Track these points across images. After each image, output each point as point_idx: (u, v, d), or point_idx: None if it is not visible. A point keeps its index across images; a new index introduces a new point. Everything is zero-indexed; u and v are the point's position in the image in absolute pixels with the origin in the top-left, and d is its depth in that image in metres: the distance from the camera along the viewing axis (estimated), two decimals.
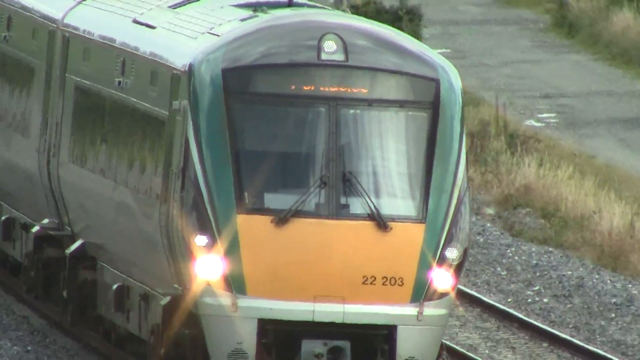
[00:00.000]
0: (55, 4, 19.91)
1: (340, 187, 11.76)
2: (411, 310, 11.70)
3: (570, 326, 22.85)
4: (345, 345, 11.69)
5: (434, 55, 12.77)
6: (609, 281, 27.00)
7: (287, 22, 12.78)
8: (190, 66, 12.26)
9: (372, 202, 11.68)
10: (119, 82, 15.63)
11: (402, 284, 11.64)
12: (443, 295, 11.89)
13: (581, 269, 27.47)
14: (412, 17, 59.20)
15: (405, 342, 11.70)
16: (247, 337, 11.63)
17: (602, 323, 23.64)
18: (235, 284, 11.62)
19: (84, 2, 19.22)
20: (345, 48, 12.05)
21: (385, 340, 11.78)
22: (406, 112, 12.09)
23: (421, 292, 11.69)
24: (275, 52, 12.12)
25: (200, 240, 11.60)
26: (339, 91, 12.00)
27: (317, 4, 17.17)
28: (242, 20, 13.34)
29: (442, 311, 12.12)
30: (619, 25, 60.29)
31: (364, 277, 11.62)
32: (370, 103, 12.03)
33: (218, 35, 12.84)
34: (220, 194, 11.70)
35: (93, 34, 17.51)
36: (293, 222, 11.63)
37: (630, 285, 26.58)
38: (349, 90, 12.03)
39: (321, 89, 11.97)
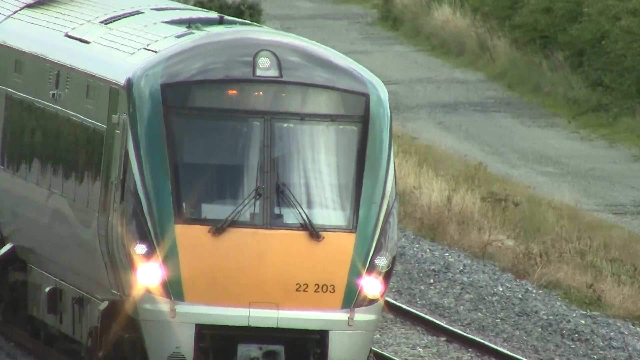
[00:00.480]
0: None
1: (274, 198, 12.11)
2: (342, 316, 12.09)
3: (393, 290, 23.98)
4: (279, 349, 12.04)
5: (363, 71, 13.16)
6: (428, 250, 29.36)
7: (222, 39, 13.07)
8: (129, 81, 12.52)
9: (304, 212, 12.07)
10: (53, 95, 15.86)
11: (334, 291, 12.05)
12: (373, 301, 12.30)
13: (403, 239, 28.99)
14: (252, 12, 62.86)
15: (337, 346, 12.08)
16: (185, 342, 11.93)
17: (422, 288, 25.81)
18: (173, 290, 11.92)
19: (12, 16, 19.25)
20: (279, 64, 12.44)
21: (318, 344, 12.13)
22: (337, 126, 12.49)
23: (352, 299, 12.10)
24: (212, 67, 12.43)
25: (140, 248, 11.88)
26: (273, 106, 12.38)
27: (248, 22, 17.67)
28: (178, 37, 13.59)
29: (372, 317, 12.54)
30: (439, 20, 65.73)
31: (297, 284, 12.00)
32: (302, 117, 12.40)
33: (155, 52, 13.06)
34: (159, 205, 11.97)
35: (25, 47, 17.67)
36: (229, 231, 11.96)
37: (447, 254, 29.02)
38: (282, 105, 12.42)
39: (256, 103, 12.36)
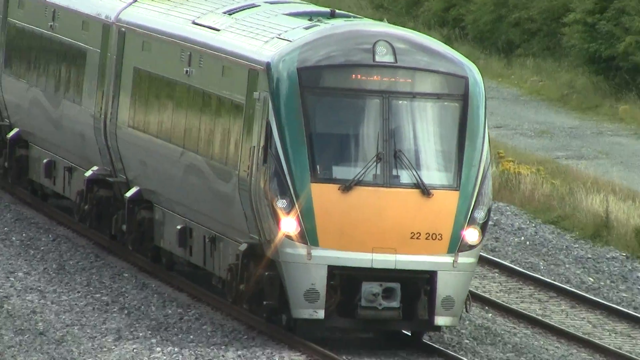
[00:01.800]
0: (107, 4, 23.35)
1: (392, 162, 14.50)
2: (448, 259, 14.51)
3: None
4: (396, 286, 14.46)
5: (461, 57, 15.65)
6: None
7: (344, 30, 15.59)
8: (268, 65, 14.98)
9: (417, 173, 14.50)
10: (186, 71, 18.48)
11: (441, 238, 14.46)
12: (472, 247, 14.76)
13: None
14: None
15: (443, 283, 14.51)
16: (319, 280, 14.38)
17: None
18: (310, 237, 14.37)
19: (134, 4, 22.45)
20: (394, 52, 14.86)
21: (427, 282, 14.57)
22: (442, 103, 14.92)
23: (455, 245, 14.50)
24: (338, 54, 14.86)
25: (281, 202, 14.37)
26: (389, 86, 14.78)
27: (354, 14, 20.15)
28: (306, 28, 16.09)
29: (472, 260, 14.99)
30: None
31: (411, 233, 14.42)
32: (414, 96, 14.85)
33: (288, 41, 15.52)
34: (297, 167, 14.40)
35: (154, 31, 20.55)
36: (355, 189, 14.38)
37: None
38: (397, 85, 14.82)
39: (376, 84, 14.76)
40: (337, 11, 18.23)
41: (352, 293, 14.65)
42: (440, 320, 14.73)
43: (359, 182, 14.45)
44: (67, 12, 25.14)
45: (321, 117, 14.81)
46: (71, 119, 24.37)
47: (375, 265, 14.49)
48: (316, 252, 14.44)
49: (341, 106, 14.84)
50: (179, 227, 18.83)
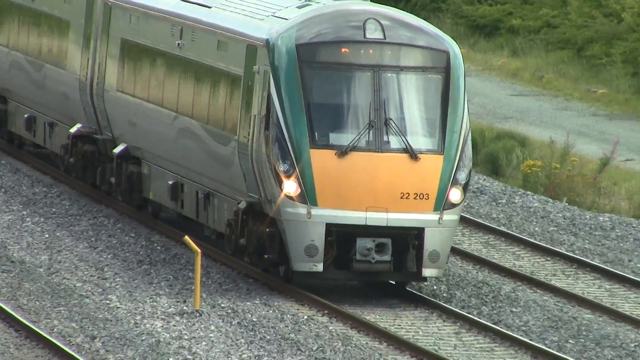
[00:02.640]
0: None
1: (383, 129, 15.97)
2: (434, 216, 16.07)
3: None
4: (387, 241, 16.00)
5: (442, 33, 17.16)
6: None
7: (336, 9, 16.97)
8: (268, 41, 16.35)
9: (406, 139, 15.99)
10: (178, 44, 19.96)
11: (428, 198, 15.99)
12: (455, 205, 16.34)
13: None
14: None
15: (430, 239, 16.08)
16: (318, 236, 15.84)
17: None
18: (309, 198, 15.82)
19: None
20: (382, 29, 16.28)
21: (416, 237, 16.11)
22: (427, 75, 16.42)
23: (441, 204, 16.04)
24: (332, 32, 16.27)
25: (283, 166, 15.79)
26: (379, 60, 16.20)
27: None
28: (299, 7, 17.48)
29: (455, 217, 16.61)
30: None
31: (401, 193, 15.92)
32: (402, 69, 16.30)
33: (284, 19, 16.87)
34: (297, 134, 15.80)
35: (142, 6, 22.14)
36: (350, 154, 15.85)
37: None
38: (386, 59, 16.26)
39: (367, 59, 16.19)
40: None
41: (347, 248, 16.12)
42: (427, 272, 16.28)
43: (353, 148, 15.90)
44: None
45: (318, 89, 16.21)
46: (55, 81, 26.20)
47: (369, 223, 15.97)
48: (315, 211, 15.87)
49: (336, 79, 16.26)
50: (170, 182, 20.48)
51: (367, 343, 14.38)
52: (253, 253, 17.14)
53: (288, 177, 15.81)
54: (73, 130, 24.81)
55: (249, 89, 17.02)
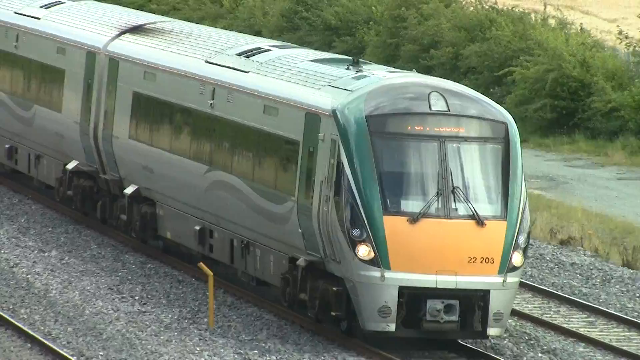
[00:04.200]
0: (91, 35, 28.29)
1: (450, 197, 16.93)
2: (499, 279, 17.02)
3: None
4: (455, 303, 16.86)
5: (499, 106, 18.42)
6: None
7: (400, 82, 18.17)
8: (335, 111, 17.35)
9: (472, 206, 16.97)
10: (210, 104, 21.52)
11: (493, 262, 16.93)
12: (517, 268, 17.33)
13: None
14: None
15: (495, 300, 17.01)
16: (391, 298, 16.65)
17: None
18: (382, 262, 16.65)
19: (119, 38, 26.91)
20: (446, 101, 17.38)
21: (481, 299, 17.03)
22: (489, 145, 17.44)
23: (505, 267, 16.99)
24: (399, 103, 17.31)
25: (355, 231, 16.65)
26: (444, 131, 17.22)
27: (374, 62, 22.85)
28: (355, 78, 18.57)
29: (517, 279, 17.64)
30: None
31: (468, 257, 16.84)
32: (465, 139, 17.33)
33: (346, 90, 17.93)
34: (370, 201, 16.67)
35: (159, 65, 24.24)
36: (421, 221, 16.75)
37: None
38: (451, 130, 17.28)
39: (434, 129, 17.21)
40: (360, 59, 20.95)
41: (418, 308, 17.00)
42: (492, 331, 17.22)
43: (423, 215, 16.83)
44: (45, 37, 30.86)
45: (389, 158, 17.12)
46: (47, 121, 29.77)
47: (439, 286, 16.87)
48: (389, 274, 16.71)
49: (405, 149, 17.22)
50: (197, 227, 22.02)
51: None
52: (317, 308, 18.00)
53: (361, 242, 16.65)
54: (70, 166, 28.11)
55: (309, 154, 18.00)
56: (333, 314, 17.59)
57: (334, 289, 17.42)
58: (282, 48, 23.69)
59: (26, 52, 31.85)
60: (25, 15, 32.72)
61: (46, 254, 25.52)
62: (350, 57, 21.48)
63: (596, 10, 70.73)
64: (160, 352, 17.14)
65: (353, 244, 16.73)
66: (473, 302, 17.14)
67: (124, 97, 25.42)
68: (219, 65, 22.39)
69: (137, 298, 21.57)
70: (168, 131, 23.77)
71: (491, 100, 18.49)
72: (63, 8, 32.45)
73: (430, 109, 17.30)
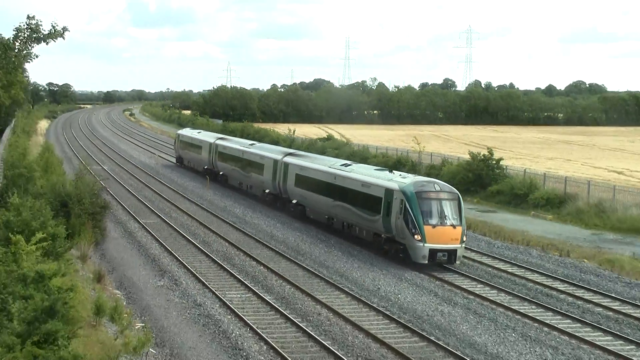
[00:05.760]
0: (273, 155, 69.50)
1: (444, 218, 48.60)
2: (460, 245, 50.03)
3: None
4: (446, 253, 48.89)
5: (452, 187, 52.78)
6: None
7: (423, 180, 51.62)
8: (402, 189, 49.49)
9: (451, 221, 49.39)
10: (335, 178, 57.30)
11: (458, 240, 49.59)
12: (464, 241, 50.90)
13: None
14: None
15: (459, 251, 50.21)
16: (427, 252, 48.07)
17: None
18: (423, 240, 48.08)
19: (286, 157, 68.04)
20: (440, 187, 50.38)
21: (454, 252, 49.68)
22: (454, 200, 50.67)
23: (461, 241, 50.17)
24: (426, 186, 49.65)
25: (415, 233, 48.60)
26: (440, 196, 48.99)
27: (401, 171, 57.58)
28: (403, 177, 52.27)
29: (464, 245, 51.74)
30: None
31: (451, 238, 49.03)
32: (446, 199, 49.49)
33: (402, 182, 50.58)
34: (418, 220, 48.38)
35: (310, 168, 61.82)
36: (437, 227, 48.10)
37: None
38: (442, 196, 49.44)
39: (437, 195, 49.28)
40: (394, 171, 55.80)
41: (434, 255, 49.73)
42: (457, 262, 50.67)
43: (437, 225, 48.81)
44: (253, 155, 77.64)
45: (423, 205, 48.98)
46: (256, 179, 74.13)
47: (442, 248, 48.92)
48: (426, 244, 48.03)
49: (430, 203, 48.97)
50: (326, 217, 59.25)
51: None
52: (392, 251, 51.24)
53: (416, 233, 48.64)
54: (267, 190, 71.43)
55: (387, 202, 50.13)
56: (401, 255, 49.52)
57: (400, 247, 49.49)
58: (355, 163, 59.50)
59: (250, 156, 77.21)
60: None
61: (257, 214, 67.17)
62: (387, 168, 56.82)
63: None
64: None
65: (412, 234, 48.66)
66: (451, 253, 49.10)
67: (292, 174, 64.52)
68: (333, 167, 56.81)
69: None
70: (310, 186, 60.35)
71: (452, 187, 51.98)
72: (261, 146, 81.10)
73: (434, 189, 50.25)
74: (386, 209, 49.43)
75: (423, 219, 47.05)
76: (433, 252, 46.93)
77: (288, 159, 66.28)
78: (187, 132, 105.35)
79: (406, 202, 47.54)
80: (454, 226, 47.72)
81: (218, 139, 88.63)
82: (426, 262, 46.73)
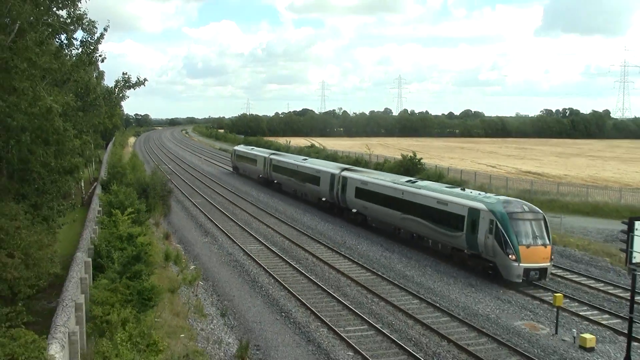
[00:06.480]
0: (331, 170, 75.07)
1: (536, 238, 50.96)
2: (550, 264, 51.23)
3: None
4: (538, 271, 50.40)
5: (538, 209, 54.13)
6: None
7: (512, 200, 52.94)
8: (491, 209, 51.10)
9: (542, 241, 50.80)
10: (402, 193, 59.32)
11: (548, 259, 51.03)
12: (552, 260, 53.35)
13: None
14: None
15: (548, 269, 51.49)
16: (521, 271, 49.35)
17: None
18: (518, 260, 49.53)
19: (343, 171, 73.15)
20: (529, 208, 51.72)
21: (545, 270, 50.95)
22: (541, 220, 51.87)
23: (549, 260, 51.46)
24: (514, 207, 51.20)
25: (510, 253, 49.78)
26: (529, 216, 50.89)
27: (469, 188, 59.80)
28: (486, 197, 53.67)
29: (552, 264, 54.06)
30: None
31: (543, 257, 49.38)
32: (535, 219, 51.50)
33: (488, 202, 52.14)
34: (512, 240, 49.87)
35: (370, 182, 65.66)
36: (530, 247, 49.95)
37: None
38: (531, 216, 51.03)
39: (526, 216, 51.04)
40: (463, 187, 57.52)
41: (528, 274, 50.89)
42: (547, 277, 51.59)
43: (530, 245, 50.04)
44: (309, 169, 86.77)
45: (517, 227, 50.39)
46: (311, 188, 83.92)
47: (536, 267, 50.28)
48: (520, 264, 49.51)
49: (520, 223, 50.52)
50: (392, 227, 62.21)
51: None
52: (479, 268, 52.20)
53: (511, 254, 49.77)
54: (323, 198, 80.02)
55: (472, 221, 51.49)
56: (490, 272, 50.87)
57: (489, 264, 50.71)
58: (422, 180, 61.08)
59: (306, 169, 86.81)
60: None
61: (310, 216, 73.52)
62: (458, 185, 58.98)
63: None
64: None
65: (507, 254, 49.67)
66: (543, 271, 50.22)
67: (351, 187, 69.95)
68: (398, 183, 58.72)
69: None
70: (373, 198, 64.31)
71: (537, 208, 53.16)
72: (314, 161, 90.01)
73: (523, 209, 51.40)
74: (470, 227, 51.09)
75: (517, 238, 47.98)
76: (527, 271, 47.98)
77: (346, 174, 74.21)
78: (242, 147, 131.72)
79: (497, 222, 48.66)
80: (545, 245, 48.70)
81: (272, 154, 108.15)
82: (520, 280, 47.75)
